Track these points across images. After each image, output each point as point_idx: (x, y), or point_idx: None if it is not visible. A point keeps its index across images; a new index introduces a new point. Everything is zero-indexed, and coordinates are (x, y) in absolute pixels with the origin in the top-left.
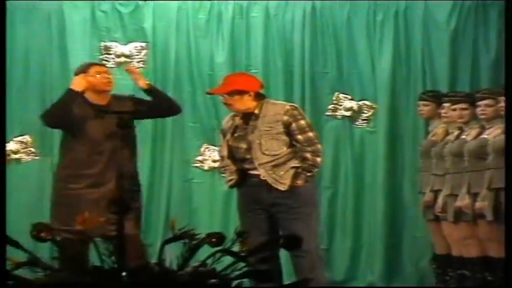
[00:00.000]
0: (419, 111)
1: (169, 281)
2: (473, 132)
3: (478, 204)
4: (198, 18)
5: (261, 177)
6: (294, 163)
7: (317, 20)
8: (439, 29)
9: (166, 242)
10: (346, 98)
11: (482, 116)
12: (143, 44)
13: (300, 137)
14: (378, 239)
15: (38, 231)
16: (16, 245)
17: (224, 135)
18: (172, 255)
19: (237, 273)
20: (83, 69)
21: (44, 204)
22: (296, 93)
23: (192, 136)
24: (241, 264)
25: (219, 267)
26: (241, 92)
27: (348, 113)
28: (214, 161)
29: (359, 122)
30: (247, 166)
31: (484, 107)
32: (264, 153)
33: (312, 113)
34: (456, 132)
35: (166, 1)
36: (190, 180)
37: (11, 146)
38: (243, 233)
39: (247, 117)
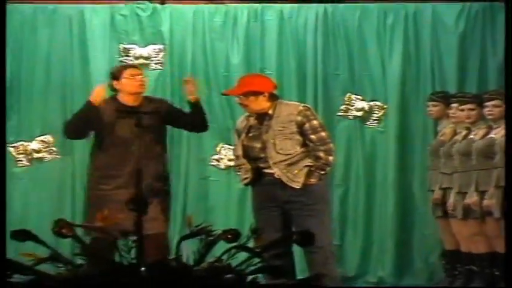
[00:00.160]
0: (428, 112)
1: (186, 276)
2: (481, 132)
3: (485, 202)
4: (213, 21)
5: (276, 176)
6: (307, 162)
7: (329, 23)
8: (447, 31)
9: (184, 238)
10: (357, 98)
11: (490, 116)
12: (161, 46)
13: (313, 136)
14: (388, 235)
15: (60, 228)
16: (38, 240)
17: (239, 135)
18: (188, 251)
19: (251, 268)
20: (118, 71)
21: (65, 202)
22: (309, 94)
23: (208, 135)
24: (256, 259)
25: (234, 262)
26: (256, 93)
27: (359, 113)
28: (229, 160)
29: (370, 122)
30: (261, 165)
31: (491, 108)
32: (278, 153)
33: (324, 113)
34: (464, 132)
35: (183, 5)
36: (207, 178)
37: (33, 145)
38: (257, 230)
39: (262, 117)
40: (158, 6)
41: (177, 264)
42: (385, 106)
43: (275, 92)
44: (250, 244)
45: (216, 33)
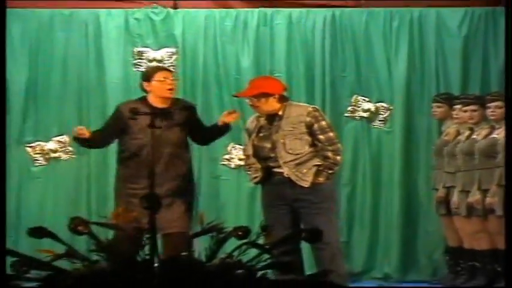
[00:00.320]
0: (432, 113)
1: (199, 271)
2: (484, 132)
3: (488, 200)
4: (224, 25)
5: (285, 175)
6: (316, 161)
7: (337, 27)
8: (451, 35)
9: (196, 235)
10: (364, 100)
11: (492, 117)
12: (173, 50)
13: (321, 136)
14: (393, 232)
15: (76, 225)
16: (55, 237)
17: (249, 135)
18: (200, 247)
19: (261, 264)
20: (150, 73)
21: (81, 200)
22: (317, 95)
23: None
24: (266, 256)
25: (244, 259)
26: (267, 95)
27: (365, 114)
28: (240, 159)
29: (376, 123)
30: (271, 164)
31: (494, 109)
32: (287, 152)
33: (332, 114)
34: (467, 133)
35: (195, 9)
36: (218, 177)
37: (50, 145)
38: (267, 227)
39: (272, 118)
40: (171, 10)
41: (190, 260)
42: (390, 107)
43: (285, 93)
44: (260, 241)
45: (227, 37)
